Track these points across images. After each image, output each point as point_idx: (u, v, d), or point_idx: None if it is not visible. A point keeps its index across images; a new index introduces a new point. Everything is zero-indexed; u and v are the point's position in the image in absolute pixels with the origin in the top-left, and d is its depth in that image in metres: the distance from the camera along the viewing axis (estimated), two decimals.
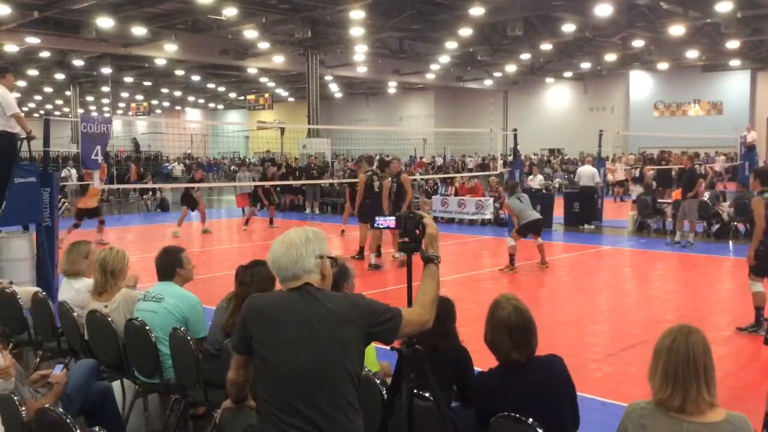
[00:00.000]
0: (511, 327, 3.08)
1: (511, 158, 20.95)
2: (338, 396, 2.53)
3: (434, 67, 36.75)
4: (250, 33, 26.88)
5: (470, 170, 29.91)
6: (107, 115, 30.17)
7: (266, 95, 43.10)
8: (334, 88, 46.18)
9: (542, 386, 3.03)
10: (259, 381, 2.64)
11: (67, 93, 44.29)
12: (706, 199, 14.77)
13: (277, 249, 2.69)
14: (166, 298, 4.59)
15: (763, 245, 7.12)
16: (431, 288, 2.84)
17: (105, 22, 23.64)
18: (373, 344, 4.12)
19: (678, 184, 17.24)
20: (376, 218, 3.18)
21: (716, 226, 14.93)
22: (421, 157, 38.24)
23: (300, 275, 2.65)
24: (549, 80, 42.86)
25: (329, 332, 2.56)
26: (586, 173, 17.47)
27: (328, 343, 2.55)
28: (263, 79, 43.03)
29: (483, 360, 4.25)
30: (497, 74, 40.42)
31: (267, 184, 17.40)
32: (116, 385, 4.87)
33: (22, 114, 8.41)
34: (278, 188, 21.17)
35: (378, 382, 3.28)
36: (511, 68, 37.11)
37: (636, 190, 21.85)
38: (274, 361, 2.56)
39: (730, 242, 14.10)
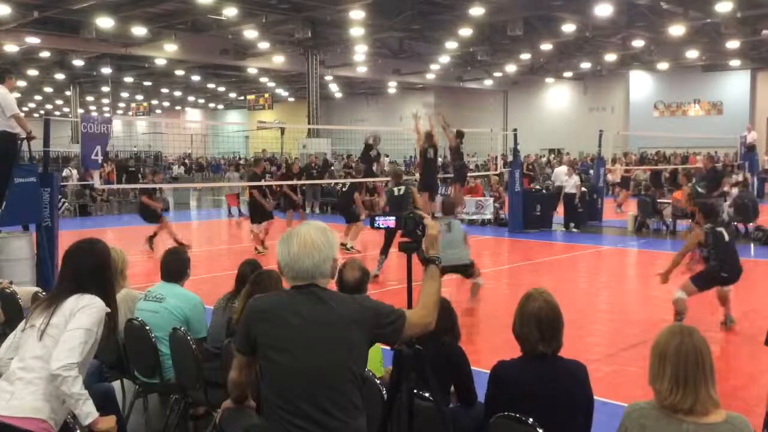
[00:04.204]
0: (540, 319, 3.08)
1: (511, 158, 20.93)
2: (342, 396, 2.53)
3: (434, 67, 36.74)
4: (250, 33, 26.88)
5: (471, 170, 29.85)
6: (107, 115, 30.16)
7: (266, 95, 43.07)
8: (334, 88, 46.16)
9: (562, 387, 3.03)
10: (264, 381, 2.64)
11: (67, 93, 44.25)
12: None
13: (297, 249, 2.61)
14: (168, 299, 4.60)
15: (712, 267, 7.33)
16: (433, 290, 2.84)
17: (105, 22, 23.64)
18: (380, 349, 4.14)
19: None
20: (376, 218, 3.17)
21: None
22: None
23: (315, 277, 2.63)
24: (549, 80, 42.83)
25: (334, 333, 2.55)
26: (562, 173, 17.73)
27: (333, 344, 2.54)
28: (263, 79, 43.02)
29: (483, 360, 4.25)
30: (497, 74, 40.40)
31: (273, 183, 16.36)
32: (116, 385, 4.87)
33: (22, 114, 8.42)
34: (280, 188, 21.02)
35: (378, 382, 3.28)
36: (511, 68, 37.10)
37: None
38: (279, 362, 2.56)
39: None
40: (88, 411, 2.96)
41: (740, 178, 17.37)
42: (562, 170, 18.25)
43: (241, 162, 37.82)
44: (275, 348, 2.57)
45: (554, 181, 18.06)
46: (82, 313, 3.08)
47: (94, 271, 3.29)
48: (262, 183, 13.80)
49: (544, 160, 36.50)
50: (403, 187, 11.36)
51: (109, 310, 3.22)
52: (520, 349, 3.19)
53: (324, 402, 2.50)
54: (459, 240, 8.22)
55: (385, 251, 10.61)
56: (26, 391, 2.94)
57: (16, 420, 2.90)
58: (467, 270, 8.38)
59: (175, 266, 4.77)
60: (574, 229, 16.30)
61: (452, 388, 3.74)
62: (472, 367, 3.76)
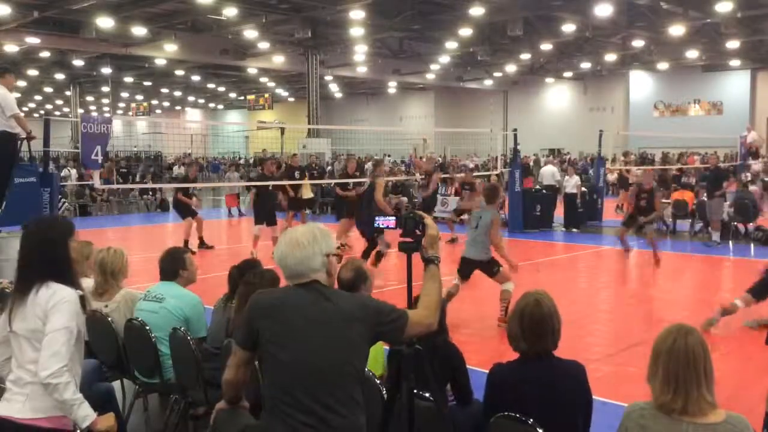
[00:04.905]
0: (523, 317, 3.09)
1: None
2: (344, 392, 2.56)
3: (434, 67, 36.76)
4: (250, 33, 26.90)
5: (471, 170, 29.88)
6: (107, 115, 30.14)
7: (266, 95, 43.08)
8: (334, 88, 46.18)
9: (562, 388, 3.02)
10: (266, 376, 2.66)
11: (67, 93, 44.28)
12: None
13: (283, 248, 2.69)
14: (167, 299, 4.59)
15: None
16: (434, 290, 2.85)
17: (105, 22, 23.66)
18: (383, 348, 4.13)
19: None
20: (376, 218, 3.20)
21: None
22: (420, 157, 38.11)
23: (307, 274, 2.67)
24: (549, 80, 42.84)
25: (337, 330, 2.58)
26: (548, 172, 18.09)
27: (336, 341, 2.57)
28: (263, 79, 43.03)
29: (482, 360, 4.25)
30: (497, 74, 40.42)
31: (273, 183, 15.76)
32: (116, 385, 4.87)
33: (22, 114, 8.42)
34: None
35: (378, 382, 3.29)
36: (511, 68, 37.11)
37: None
38: (281, 358, 2.58)
39: (730, 242, 14.09)
40: (84, 414, 2.94)
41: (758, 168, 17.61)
42: (548, 169, 18.71)
43: (241, 162, 37.84)
44: (277, 343, 2.59)
45: (541, 180, 18.31)
46: (54, 313, 2.94)
47: (41, 251, 3.04)
48: (263, 183, 13.45)
49: (543, 160, 36.58)
50: (369, 182, 10.61)
51: (81, 292, 3.08)
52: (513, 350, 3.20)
53: (326, 397, 2.53)
54: (479, 237, 7.69)
55: (365, 255, 10.36)
56: (41, 393, 2.93)
57: (40, 420, 2.91)
58: (487, 268, 7.74)
59: (170, 265, 4.75)
60: (574, 230, 16.32)
61: (448, 387, 3.74)
62: (471, 367, 3.76)
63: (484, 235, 7.68)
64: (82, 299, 3.08)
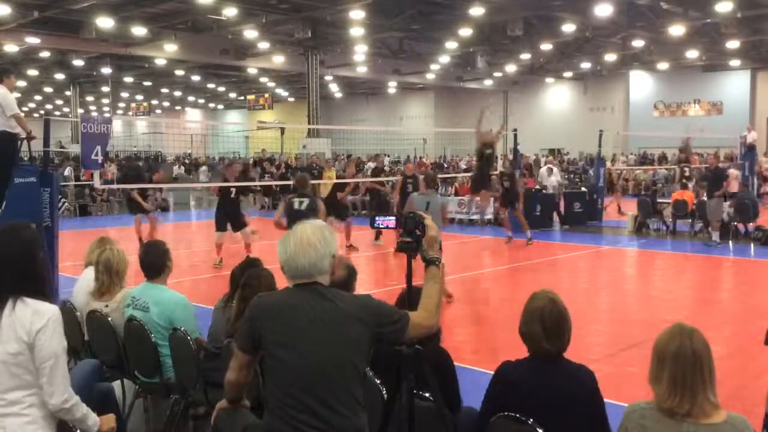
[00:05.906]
0: (544, 317, 3.07)
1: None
2: (346, 392, 2.57)
3: (434, 67, 36.74)
4: (250, 33, 26.90)
5: (466, 170, 29.91)
6: (107, 115, 30.13)
7: (266, 95, 43.08)
8: (334, 88, 46.17)
9: (568, 391, 3.00)
10: (268, 376, 2.67)
11: (67, 93, 44.25)
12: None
13: (294, 249, 2.66)
14: (151, 307, 4.52)
15: None
16: (434, 291, 2.85)
17: (105, 22, 23.67)
18: None
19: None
20: (376, 218, 3.21)
21: None
22: (420, 157, 38.15)
23: (314, 275, 2.67)
24: (549, 80, 42.82)
25: (338, 330, 2.59)
26: (545, 173, 18.42)
27: (338, 341, 2.58)
28: (263, 79, 43.02)
29: (482, 361, 4.25)
30: (497, 74, 40.41)
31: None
32: (116, 385, 4.86)
33: (22, 114, 8.42)
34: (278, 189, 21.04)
35: (378, 382, 3.28)
36: (511, 68, 37.10)
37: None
38: (284, 358, 2.58)
39: (730, 242, 14.09)
40: (93, 422, 2.94)
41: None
42: (545, 170, 18.83)
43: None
44: (280, 345, 2.60)
45: (541, 181, 18.48)
46: (46, 335, 2.73)
47: (12, 265, 2.79)
48: (231, 184, 13.01)
49: (543, 160, 36.57)
50: (306, 201, 9.20)
51: (56, 305, 2.92)
52: (527, 350, 3.17)
53: (327, 397, 2.54)
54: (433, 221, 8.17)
55: None
56: (23, 423, 2.78)
57: None
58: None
59: (154, 259, 4.66)
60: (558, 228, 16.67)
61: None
62: (469, 367, 3.75)
63: (436, 217, 8.05)
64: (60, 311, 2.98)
